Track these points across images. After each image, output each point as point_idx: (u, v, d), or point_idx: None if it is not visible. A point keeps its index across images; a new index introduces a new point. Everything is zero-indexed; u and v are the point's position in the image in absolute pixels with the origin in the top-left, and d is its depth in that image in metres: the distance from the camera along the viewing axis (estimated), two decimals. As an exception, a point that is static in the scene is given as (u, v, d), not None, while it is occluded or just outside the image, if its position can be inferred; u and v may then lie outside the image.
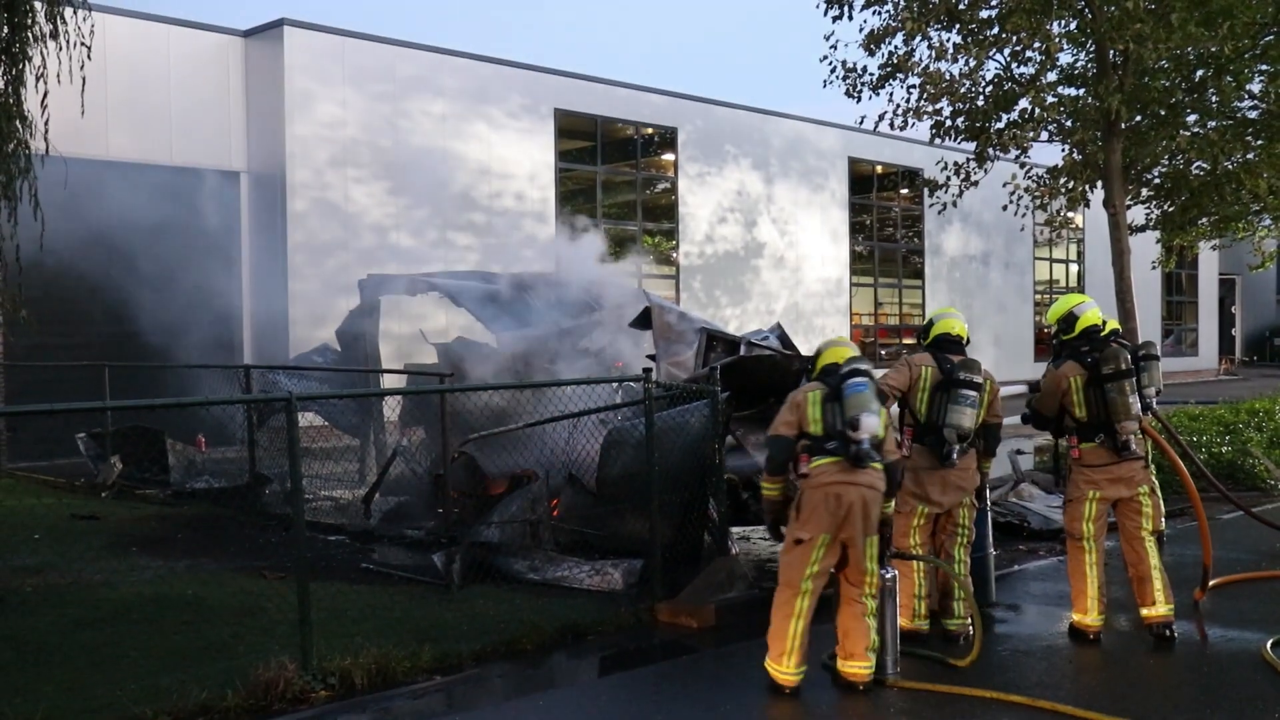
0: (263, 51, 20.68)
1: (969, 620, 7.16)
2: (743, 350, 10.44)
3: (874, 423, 6.30)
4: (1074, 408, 7.32)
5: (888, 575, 6.52)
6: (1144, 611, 7.21)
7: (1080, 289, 38.86)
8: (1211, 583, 8.12)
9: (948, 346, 7.36)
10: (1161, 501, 7.43)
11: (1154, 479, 7.43)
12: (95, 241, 16.29)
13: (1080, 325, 7.45)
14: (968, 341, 7.50)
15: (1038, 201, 17.13)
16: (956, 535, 7.42)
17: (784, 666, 6.31)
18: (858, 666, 6.32)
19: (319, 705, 6.20)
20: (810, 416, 6.49)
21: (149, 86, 19.36)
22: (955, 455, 7.15)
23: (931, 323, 7.54)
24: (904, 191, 33.38)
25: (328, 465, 11.10)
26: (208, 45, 20.47)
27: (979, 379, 7.17)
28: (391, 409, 13.04)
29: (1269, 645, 6.75)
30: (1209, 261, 42.51)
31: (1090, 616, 7.25)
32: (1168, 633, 7.12)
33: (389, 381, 14.13)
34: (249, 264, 20.49)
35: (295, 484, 6.67)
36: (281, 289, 19.91)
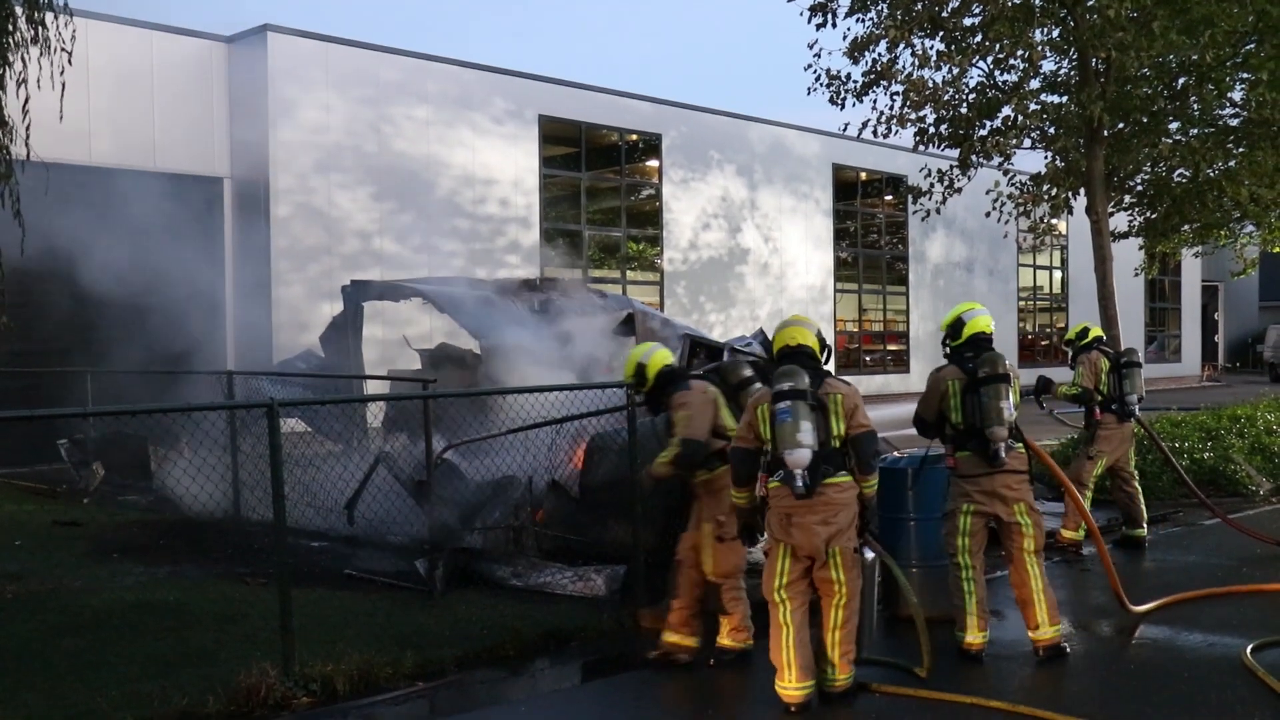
0: (246, 57, 20.65)
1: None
2: (726, 357, 10.45)
3: (804, 457, 5.93)
4: (951, 413, 7.07)
5: (868, 556, 6.32)
6: (1031, 635, 6.96)
7: (1064, 295, 39.05)
8: (1153, 604, 8.05)
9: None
10: (1042, 519, 7.19)
11: (1032, 497, 7.09)
12: (77, 247, 16.22)
13: (967, 331, 7.18)
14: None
15: (1021, 208, 17.22)
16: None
17: (784, 681, 6.13)
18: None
19: (301, 711, 6.18)
20: (761, 433, 6.19)
21: (132, 92, 19.31)
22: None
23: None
24: (888, 198, 33.49)
25: (310, 471, 11.07)
26: (191, 51, 20.43)
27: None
28: (375, 415, 13.02)
29: (1248, 650, 6.78)
30: (1192, 269, 42.75)
31: (970, 634, 6.99)
32: (1058, 651, 6.91)
33: (372, 387, 14.10)
34: (232, 269, 20.44)
35: (277, 490, 6.66)
36: (265, 294, 19.88)
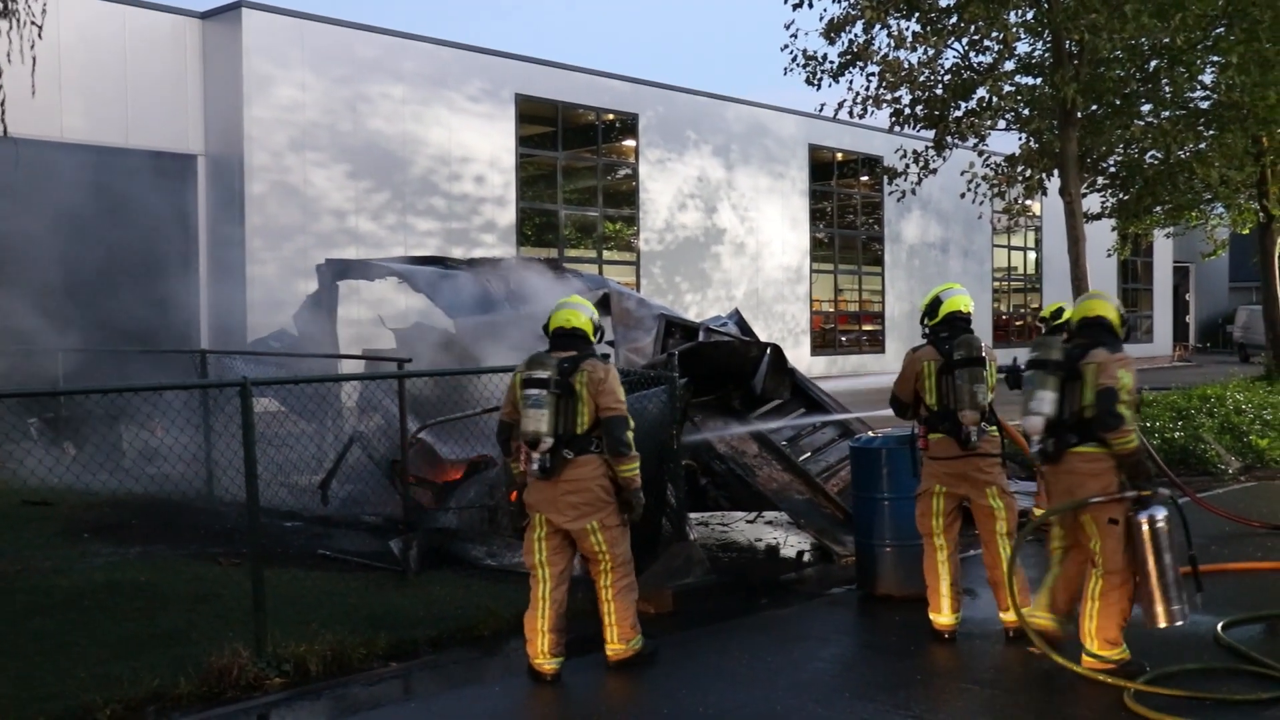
0: (220, 33, 20.48)
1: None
2: (701, 337, 10.47)
3: (1036, 424, 6.25)
4: (926, 394, 7.05)
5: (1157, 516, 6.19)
6: (1002, 616, 7.00)
7: (1038, 276, 39.25)
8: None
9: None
10: (1015, 501, 7.22)
11: (1004, 480, 7.09)
12: (49, 224, 16.08)
13: (944, 311, 7.13)
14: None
15: (995, 189, 17.28)
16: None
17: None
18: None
19: (273, 692, 6.17)
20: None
21: (104, 67, 19.14)
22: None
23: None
24: (864, 178, 33.54)
25: (284, 451, 11.02)
26: (164, 26, 20.25)
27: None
28: (349, 395, 12.97)
29: (1220, 627, 6.85)
30: (1163, 249, 43.02)
31: (944, 615, 7.00)
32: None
33: (347, 367, 14.05)
34: (206, 247, 20.32)
35: (250, 469, 6.64)
36: (239, 273, 19.77)
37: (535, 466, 6.26)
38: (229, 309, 19.58)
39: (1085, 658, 6.19)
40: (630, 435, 6.39)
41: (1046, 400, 6.22)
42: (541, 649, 6.34)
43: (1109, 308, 6.52)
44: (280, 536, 9.97)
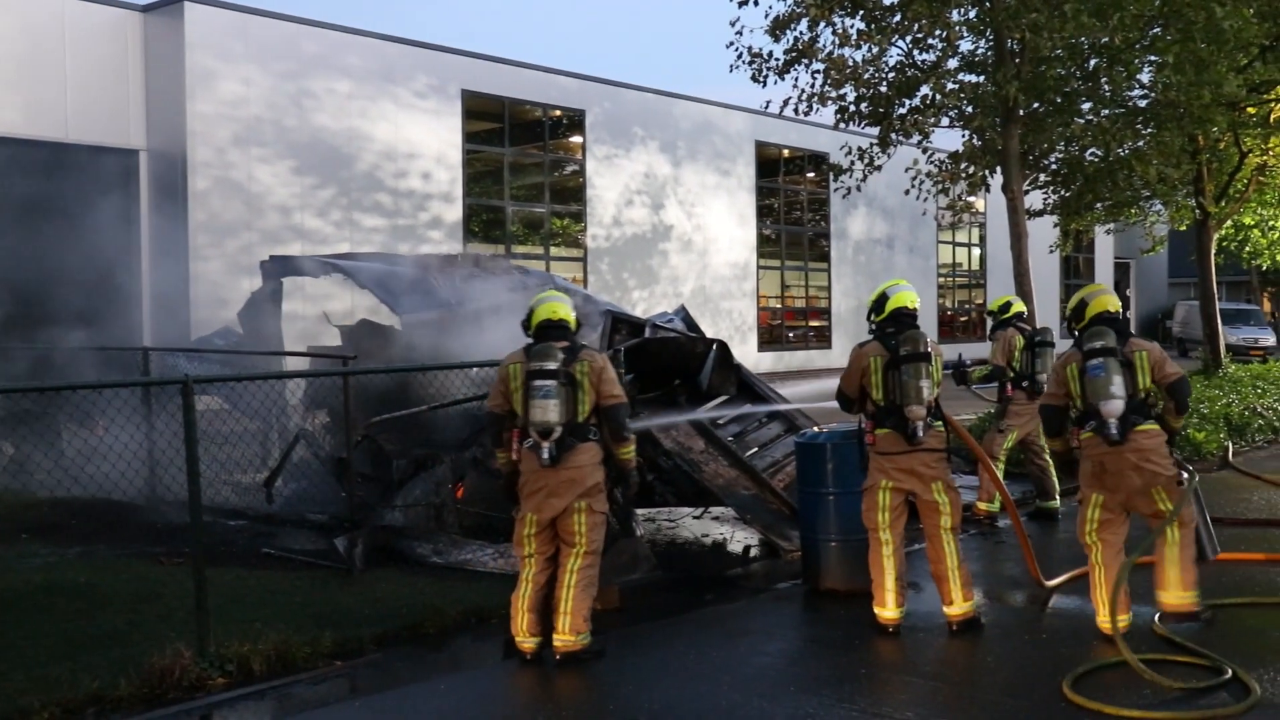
0: (162, 26, 20.22)
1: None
2: (648, 333, 10.49)
3: (1117, 407, 6.71)
4: (872, 389, 7.11)
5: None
6: (945, 609, 7.09)
7: (983, 272, 39.66)
8: (1065, 576, 8.18)
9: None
10: (960, 497, 7.32)
11: (950, 475, 7.19)
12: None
13: (890, 306, 7.21)
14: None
15: (939, 186, 17.42)
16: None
17: (1101, 618, 6.87)
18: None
19: (216, 693, 6.12)
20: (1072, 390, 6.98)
21: (42, 61, 18.84)
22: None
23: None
24: (810, 175, 33.71)
25: (227, 449, 10.92)
26: (104, 19, 19.96)
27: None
28: (293, 392, 12.87)
29: (1156, 618, 6.97)
30: (1104, 246, 43.64)
31: (888, 609, 7.07)
32: (972, 624, 7.06)
33: (292, 364, 13.93)
34: (148, 244, 20.05)
35: (192, 468, 6.58)
36: (182, 270, 19.53)
37: (545, 455, 6.47)
38: (172, 306, 19.33)
39: (1170, 602, 6.99)
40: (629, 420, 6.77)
41: (1121, 386, 6.75)
42: (521, 627, 6.60)
43: (1118, 302, 7.22)
44: (224, 535, 9.90)
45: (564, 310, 6.78)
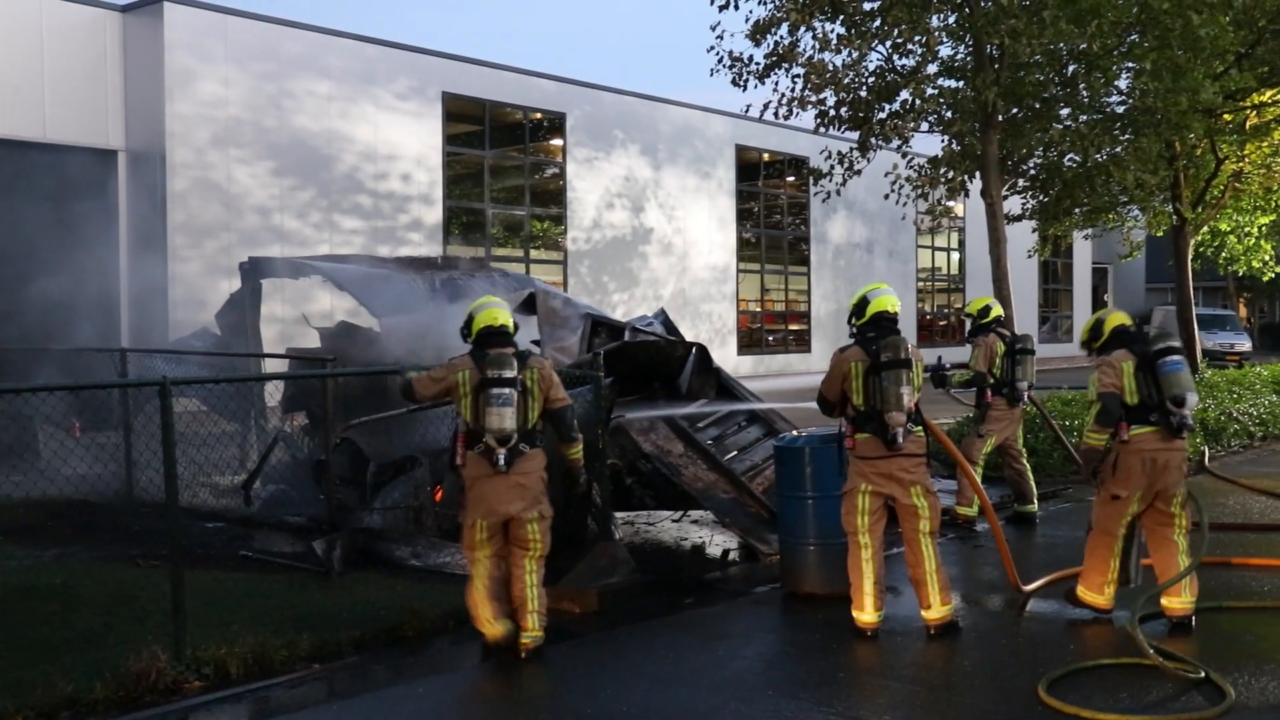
0: (142, 27, 20.14)
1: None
2: (627, 336, 10.48)
3: (1196, 400, 7.05)
4: (853, 394, 7.11)
5: None
6: (923, 613, 7.11)
7: (961, 276, 39.83)
8: (1043, 580, 8.21)
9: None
10: (939, 501, 7.35)
11: (929, 479, 7.21)
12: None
13: (870, 310, 7.23)
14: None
15: (918, 191, 17.47)
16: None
17: (1105, 596, 7.21)
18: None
19: (193, 696, 6.09)
20: (1127, 387, 7.06)
21: (20, 60, 18.74)
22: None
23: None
24: (790, 179, 33.79)
25: (205, 451, 10.87)
26: (84, 19, 19.87)
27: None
28: (272, 394, 12.83)
29: (1132, 620, 7.00)
30: (1083, 251, 43.87)
31: (866, 613, 7.07)
32: (950, 628, 7.07)
33: (271, 366, 13.89)
34: (127, 245, 19.96)
35: (169, 470, 6.55)
36: (161, 271, 19.45)
37: (501, 462, 6.61)
38: (150, 307, 19.25)
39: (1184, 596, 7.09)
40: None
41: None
42: (487, 616, 6.71)
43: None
44: (201, 537, 9.85)
45: (505, 316, 6.90)
